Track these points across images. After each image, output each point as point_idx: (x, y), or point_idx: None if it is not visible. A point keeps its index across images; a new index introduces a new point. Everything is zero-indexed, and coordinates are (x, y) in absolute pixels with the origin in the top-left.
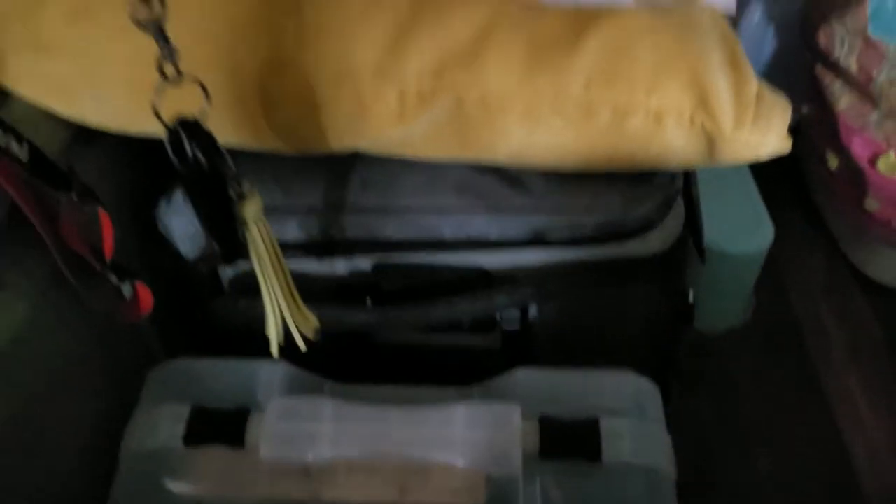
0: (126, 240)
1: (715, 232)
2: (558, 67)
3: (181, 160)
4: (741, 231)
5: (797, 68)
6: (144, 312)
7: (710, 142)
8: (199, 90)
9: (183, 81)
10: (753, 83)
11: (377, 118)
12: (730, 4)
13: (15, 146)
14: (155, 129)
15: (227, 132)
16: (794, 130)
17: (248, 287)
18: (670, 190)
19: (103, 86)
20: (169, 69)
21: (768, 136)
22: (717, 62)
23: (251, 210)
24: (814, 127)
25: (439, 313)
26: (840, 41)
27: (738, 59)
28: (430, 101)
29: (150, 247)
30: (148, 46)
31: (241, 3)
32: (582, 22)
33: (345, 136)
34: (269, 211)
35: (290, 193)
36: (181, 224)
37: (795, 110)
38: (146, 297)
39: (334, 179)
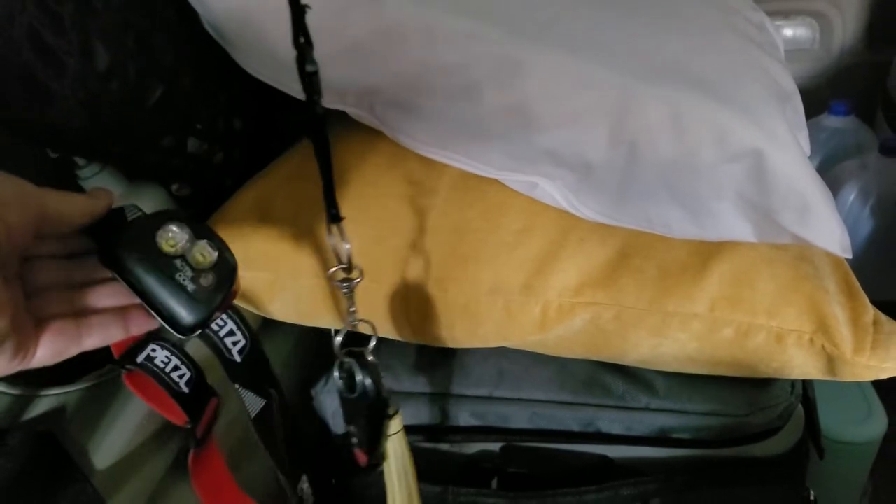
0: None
1: (828, 420)
2: (685, 292)
3: (349, 387)
4: (854, 419)
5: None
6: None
7: (831, 362)
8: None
9: (359, 326)
10: (870, 311)
11: (521, 327)
12: (846, 249)
13: None
14: (324, 323)
15: (383, 331)
16: None
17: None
18: (791, 398)
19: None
20: (351, 318)
21: (888, 363)
22: (833, 291)
23: (395, 426)
24: None
25: (567, 500)
26: None
27: (852, 288)
28: (569, 314)
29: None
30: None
31: (403, 230)
32: (706, 252)
33: (490, 339)
34: (407, 397)
35: (427, 382)
36: (333, 403)
37: None
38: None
39: (471, 370)
